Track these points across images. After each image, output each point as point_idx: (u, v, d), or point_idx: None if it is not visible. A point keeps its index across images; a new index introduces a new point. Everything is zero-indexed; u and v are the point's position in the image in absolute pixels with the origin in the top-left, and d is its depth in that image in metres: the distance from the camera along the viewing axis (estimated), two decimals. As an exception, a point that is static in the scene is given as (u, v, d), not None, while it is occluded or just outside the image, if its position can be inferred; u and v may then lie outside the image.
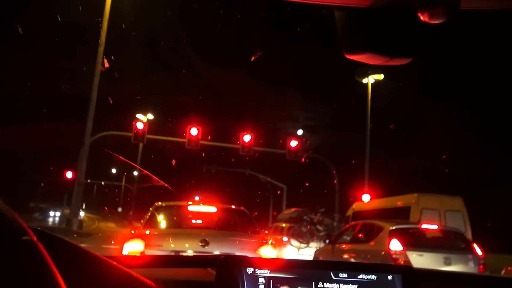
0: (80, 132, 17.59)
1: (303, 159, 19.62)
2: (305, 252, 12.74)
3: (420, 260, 6.18)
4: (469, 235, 10.36)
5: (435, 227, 7.30)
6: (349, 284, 1.04)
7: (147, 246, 4.48)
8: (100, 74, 17.02)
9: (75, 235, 16.09)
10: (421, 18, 0.62)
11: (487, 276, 1.64)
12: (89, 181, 38.95)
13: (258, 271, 1.03)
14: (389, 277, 1.06)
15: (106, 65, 16.52)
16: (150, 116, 29.50)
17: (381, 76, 20.85)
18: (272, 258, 1.11)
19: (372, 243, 7.14)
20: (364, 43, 0.66)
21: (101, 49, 17.06)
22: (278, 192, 28.01)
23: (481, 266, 6.53)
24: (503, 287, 1.44)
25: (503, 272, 7.24)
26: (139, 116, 26.81)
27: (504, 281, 1.56)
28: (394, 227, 6.83)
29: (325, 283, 1.04)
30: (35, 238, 0.46)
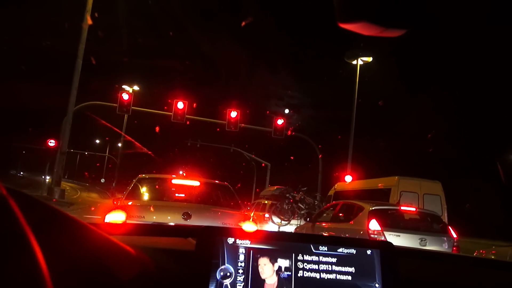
0: (64, 95, 17.13)
1: (289, 132, 19.69)
2: (286, 229, 12.96)
3: (396, 240, 6.35)
4: (445, 218, 10.66)
5: (413, 209, 7.47)
6: (328, 257, 1.05)
7: (128, 217, 4.47)
8: (87, 35, 16.48)
9: (54, 200, 15.99)
10: None
11: (461, 255, 1.68)
12: (71, 150, 38.47)
13: (238, 242, 1.03)
14: (368, 252, 1.07)
15: (89, 22, 15.97)
16: (136, 87, 29.07)
17: (370, 59, 20.94)
18: (253, 230, 1.11)
19: (351, 222, 7.29)
20: (359, 10, 0.64)
21: (87, 15, 16.53)
22: (263, 164, 28.18)
23: (454, 248, 6.76)
24: (475, 267, 1.48)
25: (474, 254, 7.51)
26: (125, 87, 26.37)
27: (476, 260, 1.61)
28: (373, 208, 6.97)
29: (305, 255, 1.04)
30: (4, 192, 0.44)
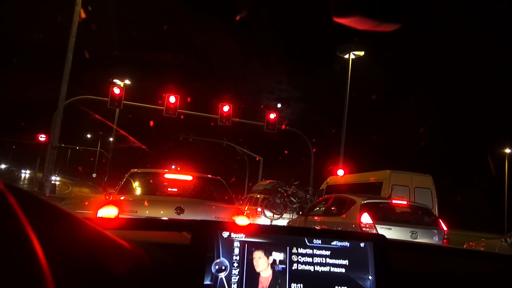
0: (55, 89, 16.91)
1: (283, 126, 19.71)
2: (278, 223, 13.00)
3: (388, 233, 6.41)
4: (435, 211, 10.78)
5: (404, 202, 7.54)
6: (322, 250, 1.06)
7: (121, 212, 4.46)
8: (77, 27, 16.27)
9: (47, 195, 15.86)
10: None
11: (451, 247, 1.71)
12: (62, 145, 38.12)
13: (233, 235, 1.03)
14: (362, 245, 1.08)
15: (83, 15, 15.79)
16: (127, 82, 28.84)
17: (361, 53, 20.98)
18: (248, 223, 1.11)
19: (343, 216, 7.33)
20: (353, 5, 0.64)
21: (78, 8, 16.30)
22: (257, 158, 28.22)
23: (444, 241, 6.84)
24: (465, 258, 1.51)
25: (464, 246, 7.61)
26: (116, 81, 26.13)
27: (466, 252, 1.63)
28: (365, 201, 7.03)
29: (299, 249, 1.05)
30: (2, 186, 0.43)
